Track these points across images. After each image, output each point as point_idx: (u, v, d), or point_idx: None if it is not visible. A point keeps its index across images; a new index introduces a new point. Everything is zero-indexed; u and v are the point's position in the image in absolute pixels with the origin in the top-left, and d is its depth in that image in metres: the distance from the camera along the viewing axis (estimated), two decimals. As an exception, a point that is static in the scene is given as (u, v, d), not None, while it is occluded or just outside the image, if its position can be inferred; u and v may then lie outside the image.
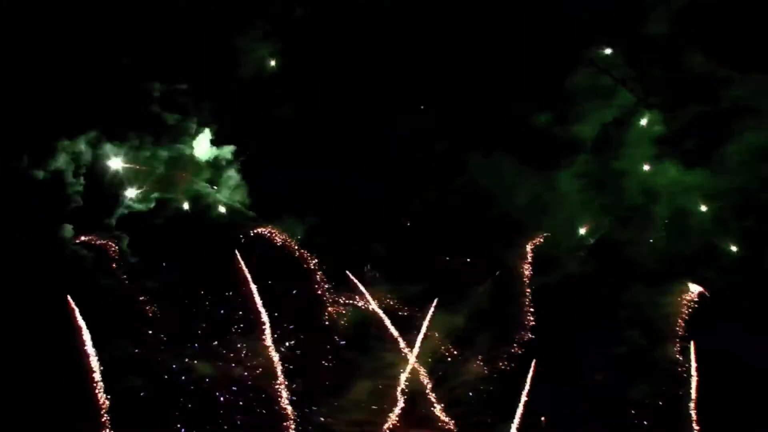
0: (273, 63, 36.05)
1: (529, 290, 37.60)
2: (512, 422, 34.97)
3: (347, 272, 36.80)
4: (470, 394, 35.89)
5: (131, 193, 35.58)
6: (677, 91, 37.49)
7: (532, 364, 35.97)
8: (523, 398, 35.53)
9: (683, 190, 37.41)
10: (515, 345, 36.82)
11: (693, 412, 35.47)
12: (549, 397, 35.83)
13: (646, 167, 38.01)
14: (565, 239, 37.97)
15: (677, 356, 36.40)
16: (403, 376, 35.64)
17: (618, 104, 37.95)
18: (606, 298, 36.76)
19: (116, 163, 35.17)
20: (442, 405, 35.41)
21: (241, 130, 36.20)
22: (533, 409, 35.40)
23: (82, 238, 35.01)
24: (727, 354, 34.88)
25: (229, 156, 36.43)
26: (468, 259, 37.36)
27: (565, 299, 36.95)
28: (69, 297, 33.62)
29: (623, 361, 36.01)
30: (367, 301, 36.65)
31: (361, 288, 36.77)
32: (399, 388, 35.46)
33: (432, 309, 36.27)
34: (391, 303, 36.72)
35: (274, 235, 36.98)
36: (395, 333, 36.32)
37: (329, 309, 36.57)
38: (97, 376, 33.08)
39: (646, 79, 37.81)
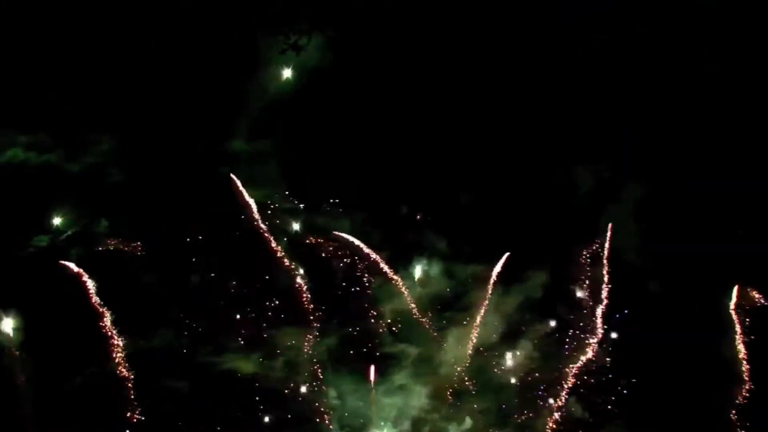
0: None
1: (586, 282, 37.68)
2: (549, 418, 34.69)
3: (386, 267, 36.64)
4: (516, 383, 35.88)
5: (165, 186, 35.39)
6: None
7: (584, 359, 35.82)
8: (566, 389, 35.46)
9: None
10: (567, 338, 36.71)
11: (736, 414, 35.45)
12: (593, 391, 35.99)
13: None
14: (624, 232, 38.02)
15: (730, 358, 36.41)
16: (452, 367, 35.31)
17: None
18: (662, 297, 36.82)
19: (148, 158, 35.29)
20: (488, 395, 35.37)
21: (280, 123, 36.29)
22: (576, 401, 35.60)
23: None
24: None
25: (266, 149, 36.35)
26: (524, 248, 37.07)
27: (619, 294, 37.29)
28: (95, 293, 33.48)
29: (675, 360, 35.67)
30: (413, 294, 36.47)
31: (403, 289, 36.44)
32: (447, 380, 35.29)
33: (486, 300, 36.22)
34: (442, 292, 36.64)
35: (320, 232, 36.97)
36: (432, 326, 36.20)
37: (375, 302, 36.28)
38: (129, 373, 32.92)
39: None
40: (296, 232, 36.59)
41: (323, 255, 36.75)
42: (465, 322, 36.04)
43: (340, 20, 34.80)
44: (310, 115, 36.37)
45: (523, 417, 35.13)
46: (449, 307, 36.56)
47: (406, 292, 36.27)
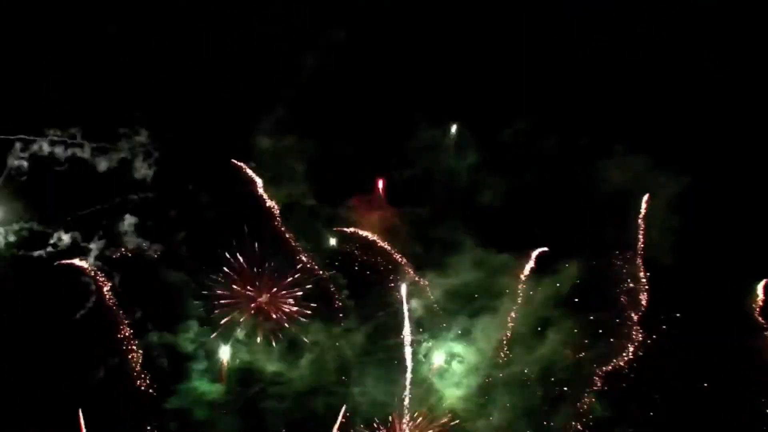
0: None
1: (616, 275, 37.37)
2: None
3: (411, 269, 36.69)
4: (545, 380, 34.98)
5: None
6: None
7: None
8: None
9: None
10: (594, 329, 36.04)
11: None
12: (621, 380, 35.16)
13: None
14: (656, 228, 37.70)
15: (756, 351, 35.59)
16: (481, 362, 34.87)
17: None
18: (693, 290, 36.15)
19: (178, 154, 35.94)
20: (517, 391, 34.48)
21: (304, 120, 36.84)
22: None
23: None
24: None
25: (291, 146, 36.63)
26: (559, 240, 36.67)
27: (649, 289, 36.97)
28: (117, 290, 33.79)
29: (702, 354, 35.05)
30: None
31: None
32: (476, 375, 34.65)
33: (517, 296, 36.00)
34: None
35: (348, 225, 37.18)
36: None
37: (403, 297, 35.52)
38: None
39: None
40: (322, 232, 36.86)
41: (350, 253, 36.88)
42: (495, 317, 35.41)
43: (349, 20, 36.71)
44: (334, 112, 37.30)
45: (550, 417, 34.38)
46: (478, 300, 35.87)
47: (431, 292, 36.05)
